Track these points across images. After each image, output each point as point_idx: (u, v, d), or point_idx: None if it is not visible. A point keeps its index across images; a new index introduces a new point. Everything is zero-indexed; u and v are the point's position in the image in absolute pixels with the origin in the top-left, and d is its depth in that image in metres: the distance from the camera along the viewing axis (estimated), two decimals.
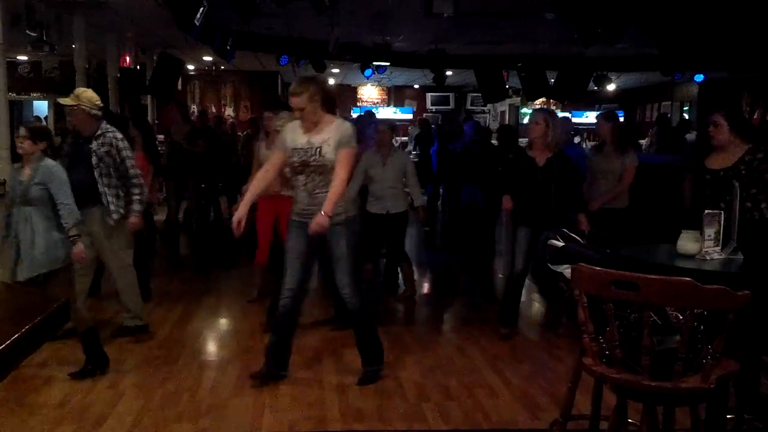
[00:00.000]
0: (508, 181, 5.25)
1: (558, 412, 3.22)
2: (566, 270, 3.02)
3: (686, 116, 16.18)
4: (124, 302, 5.10)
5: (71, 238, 4.27)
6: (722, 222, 3.34)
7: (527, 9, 8.05)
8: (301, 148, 4.05)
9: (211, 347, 5.21)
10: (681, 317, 2.54)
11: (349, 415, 3.87)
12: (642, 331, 2.43)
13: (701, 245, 3.28)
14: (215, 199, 10.32)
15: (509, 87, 14.32)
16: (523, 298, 5.59)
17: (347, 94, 19.28)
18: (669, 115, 15.80)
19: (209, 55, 13.13)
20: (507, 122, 18.30)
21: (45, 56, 13.51)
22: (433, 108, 19.62)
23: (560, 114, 11.01)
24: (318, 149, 4.01)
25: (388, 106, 19.65)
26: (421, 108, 19.66)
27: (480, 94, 13.94)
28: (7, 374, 1.72)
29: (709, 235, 3.29)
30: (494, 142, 10.01)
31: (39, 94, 15.34)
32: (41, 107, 16.30)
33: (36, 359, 4.42)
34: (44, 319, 1.87)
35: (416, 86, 19.41)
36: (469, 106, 19.67)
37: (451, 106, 19.65)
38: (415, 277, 6.62)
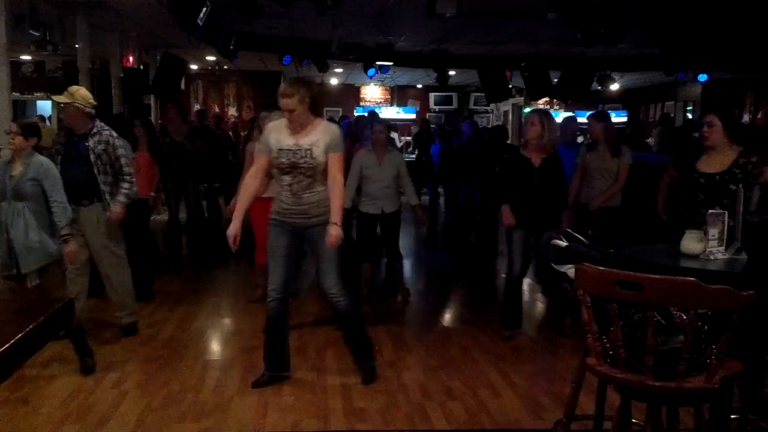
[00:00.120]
0: (506, 186, 5.20)
1: (562, 412, 3.22)
2: (570, 270, 3.01)
3: (690, 116, 16.16)
4: (119, 299, 5.11)
5: (63, 237, 4.28)
6: (726, 222, 3.33)
7: (529, 9, 8.04)
8: (289, 150, 3.99)
9: (214, 347, 5.21)
10: (685, 317, 2.53)
11: (353, 414, 3.87)
12: (646, 331, 2.43)
13: (705, 245, 3.28)
14: (214, 198, 10.32)
15: (512, 87, 14.29)
16: (526, 299, 5.59)
17: (350, 94, 19.30)
18: (672, 115, 15.77)
19: (212, 55, 13.16)
20: (510, 122, 18.30)
21: (48, 56, 13.53)
22: (437, 108, 19.63)
23: (566, 114, 11.00)
24: (308, 151, 3.97)
25: (391, 105, 19.62)
26: (424, 108, 19.64)
27: (483, 94, 13.94)
28: (11, 374, 1.72)
29: (713, 235, 3.29)
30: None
31: (42, 93, 15.33)
32: (45, 107, 16.34)
33: (39, 359, 4.43)
34: (47, 319, 1.88)
35: (419, 86, 19.38)
36: (472, 106, 19.68)
37: (455, 105, 19.64)
38: (416, 277, 6.60)
